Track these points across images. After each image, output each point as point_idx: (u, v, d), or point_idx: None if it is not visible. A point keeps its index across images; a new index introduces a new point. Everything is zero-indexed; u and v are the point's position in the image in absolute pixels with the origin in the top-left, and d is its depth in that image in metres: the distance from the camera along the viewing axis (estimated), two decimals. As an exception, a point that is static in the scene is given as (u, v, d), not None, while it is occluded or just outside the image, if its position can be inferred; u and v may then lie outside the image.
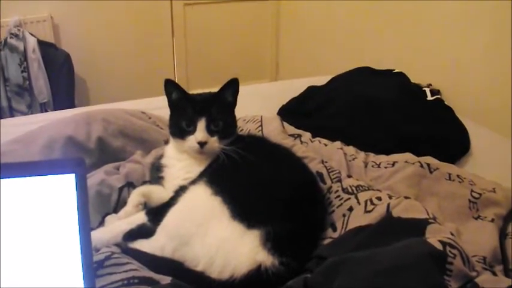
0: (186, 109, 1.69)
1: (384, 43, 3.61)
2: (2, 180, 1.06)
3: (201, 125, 1.66)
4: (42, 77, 3.99)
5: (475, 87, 2.88)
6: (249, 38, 5.06)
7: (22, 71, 3.88)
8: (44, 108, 4.03)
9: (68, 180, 1.09)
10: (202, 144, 1.65)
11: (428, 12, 3.15)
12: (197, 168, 1.70)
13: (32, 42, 3.92)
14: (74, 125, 1.99)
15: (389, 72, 2.92)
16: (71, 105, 3.99)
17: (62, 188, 1.09)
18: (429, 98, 2.66)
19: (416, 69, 2.98)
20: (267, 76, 5.17)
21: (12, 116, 3.88)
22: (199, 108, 1.67)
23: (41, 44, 4.00)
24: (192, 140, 1.66)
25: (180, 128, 1.70)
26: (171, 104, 1.76)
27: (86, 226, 1.11)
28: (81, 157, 1.14)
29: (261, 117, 2.23)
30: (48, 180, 1.09)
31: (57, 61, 4.08)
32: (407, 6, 3.32)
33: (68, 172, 1.09)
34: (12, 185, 1.06)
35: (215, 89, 1.76)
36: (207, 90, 1.81)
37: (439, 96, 2.70)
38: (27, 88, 3.93)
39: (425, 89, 2.74)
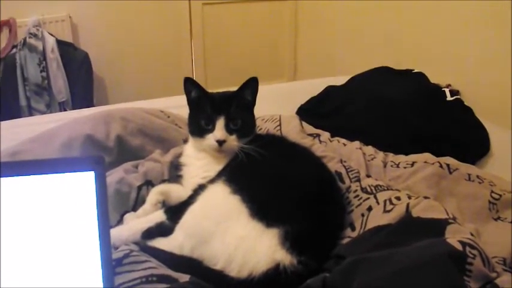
0: (205, 107, 1.69)
1: (402, 43, 3.59)
2: (21, 177, 1.06)
3: (220, 123, 1.66)
4: (61, 76, 4.03)
5: (494, 88, 2.86)
6: (267, 37, 5.06)
7: (41, 71, 3.92)
8: (62, 108, 4.07)
9: (88, 178, 1.09)
10: (221, 142, 1.66)
11: (448, 12, 3.13)
12: (216, 167, 1.70)
13: (50, 42, 3.95)
14: (93, 124, 2.00)
15: (408, 72, 2.91)
16: (90, 104, 4.02)
17: (81, 185, 1.09)
18: (449, 98, 2.63)
19: (435, 70, 2.96)
20: (285, 76, 5.16)
21: (31, 115, 3.91)
22: (218, 107, 1.68)
23: (60, 43, 4.05)
24: (211, 139, 1.67)
25: (199, 126, 1.71)
26: (190, 103, 1.77)
27: (105, 224, 1.11)
28: (100, 155, 1.14)
29: (280, 116, 2.23)
30: (68, 178, 1.09)
31: (75, 61, 4.12)
32: (426, 5, 3.30)
33: (88, 170, 1.09)
34: (32, 182, 1.07)
35: (233, 89, 1.76)
36: (225, 90, 1.82)
37: (458, 97, 2.67)
38: (46, 87, 3.97)
39: (445, 89, 2.72)
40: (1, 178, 1.05)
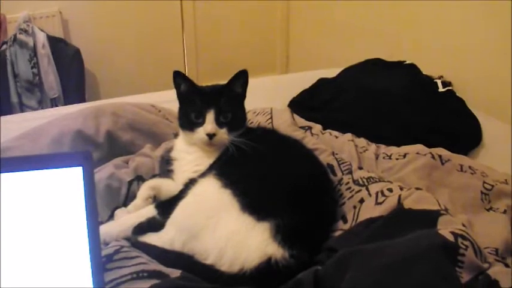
0: (195, 101, 1.69)
1: (394, 34, 3.59)
2: (9, 174, 1.05)
3: (210, 116, 1.65)
4: (52, 72, 4.00)
5: (486, 79, 2.86)
6: (260, 31, 5.05)
7: (32, 67, 3.90)
8: (54, 104, 4.04)
9: (76, 174, 1.08)
10: (211, 136, 1.65)
11: (440, 3, 3.12)
12: (206, 161, 1.70)
13: (41, 38, 3.93)
14: (83, 119, 2.00)
15: (400, 63, 2.90)
16: (81, 100, 4.01)
17: (69, 181, 1.08)
18: (441, 89, 2.64)
19: (427, 61, 2.95)
20: (277, 69, 5.15)
21: (22, 111, 3.89)
22: (208, 100, 1.67)
23: (51, 39, 4.02)
24: (201, 132, 1.66)
25: (189, 119, 1.70)
26: (180, 96, 1.76)
27: (94, 219, 1.10)
28: (87, 150, 1.13)
29: (271, 109, 2.22)
30: (56, 174, 1.08)
31: (67, 56, 4.09)
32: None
33: (75, 165, 1.08)
34: (20, 178, 1.06)
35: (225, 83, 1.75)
36: (216, 83, 1.81)
37: (450, 88, 2.68)
38: (37, 84, 3.94)
39: (437, 80, 2.72)
40: (-13, 175, 1.04)
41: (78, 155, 1.10)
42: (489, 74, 2.85)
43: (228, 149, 1.65)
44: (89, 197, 1.09)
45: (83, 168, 1.09)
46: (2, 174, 1.05)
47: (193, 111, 1.68)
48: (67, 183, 1.08)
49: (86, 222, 1.09)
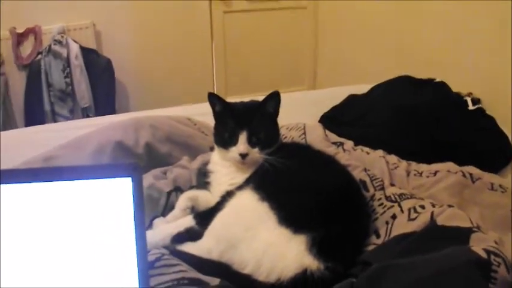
0: (228, 121, 1.74)
1: (423, 51, 3.60)
2: (61, 182, 1.10)
3: (243, 137, 1.70)
4: (84, 82, 4.08)
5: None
6: (288, 45, 5.07)
7: (65, 77, 3.98)
8: (85, 113, 4.12)
9: (125, 184, 1.13)
10: (243, 155, 1.69)
11: (469, 21, 3.14)
12: (242, 175, 1.74)
13: (74, 49, 4.01)
14: (123, 131, 2.06)
15: (430, 81, 2.91)
16: (112, 110, 4.08)
17: (118, 191, 1.12)
18: (470, 107, 2.64)
19: (456, 78, 2.96)
20: (305, 83, 5.18)
21: (55, 120, 3.98)
22: (241, 121, 1.71)
23: (84, 50, 4.10)
24: (234, 151, 1.71)
25: (223, 138, 1.75)
26: (215, 115, 1.81)
27: (142, 227, 1.14)
28: (136, 162, 1.17)
29: (304, 125, 2.26)
30: (105, 184, 1.12)
31: (99, 67, 4.18)
32: (447, 14, 3.31)
33: (125, 176, 1.13)
34: (71, 187, 1.10)
35: (253, 96, 1.79)
36: (245, 97, 1.84)
37: (480, 106, 2.68)
38: (70, 93, 4.03)
39: (467, 98, 2.72)
40: (43, 183, 1.09)
41: (128, 166, 1.14)
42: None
43: (263, 164, 1.69)
44: (137, 206, 1.13)
45: (132, 179, 1.13)
46: (55, 182, 1.10)
47: (227, 131, 1.73)
48: (116, 193, 1.13)
49: (134, 230, 1.14)
